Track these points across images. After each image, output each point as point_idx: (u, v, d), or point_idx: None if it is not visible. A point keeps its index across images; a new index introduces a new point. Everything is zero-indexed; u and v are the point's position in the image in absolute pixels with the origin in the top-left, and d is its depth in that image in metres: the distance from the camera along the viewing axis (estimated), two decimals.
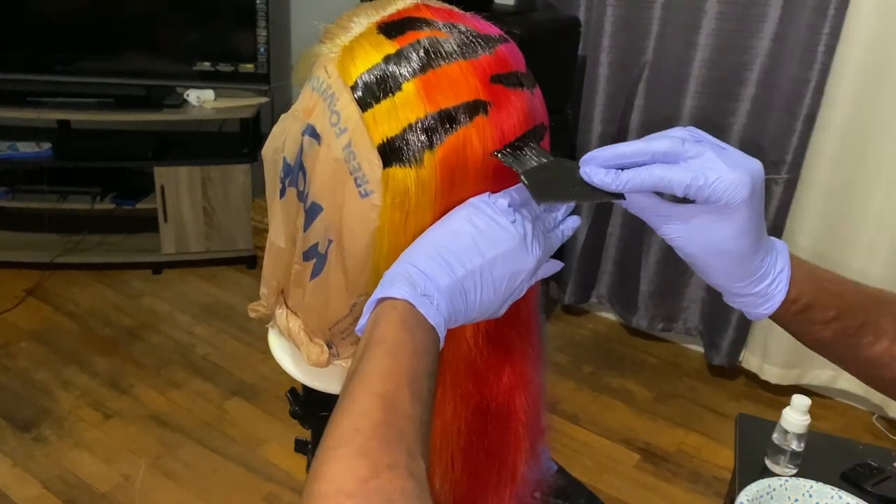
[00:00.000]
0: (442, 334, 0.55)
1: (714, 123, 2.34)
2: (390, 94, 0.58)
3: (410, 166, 0.58)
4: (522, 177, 0.58)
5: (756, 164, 0.59)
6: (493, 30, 0.63)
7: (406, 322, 0.53)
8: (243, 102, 2.89)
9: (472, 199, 0.59)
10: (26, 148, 2.79)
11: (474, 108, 0.58)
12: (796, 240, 2.29)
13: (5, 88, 2.77)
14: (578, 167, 0.59)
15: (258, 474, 2.05)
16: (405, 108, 0.58)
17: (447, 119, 0.58)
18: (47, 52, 2.75)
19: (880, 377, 0.66)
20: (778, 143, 2.24)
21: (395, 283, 0.55)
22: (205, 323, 2.68)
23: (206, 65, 2.78)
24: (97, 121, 2.87)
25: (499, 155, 0.60)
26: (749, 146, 2.33)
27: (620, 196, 0.58)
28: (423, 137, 0.58)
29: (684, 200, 0.58)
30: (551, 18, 2.40)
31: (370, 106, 0.59)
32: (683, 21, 2.28)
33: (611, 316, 2.83)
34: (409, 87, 0.58)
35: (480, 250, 0.56)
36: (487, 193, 0.60)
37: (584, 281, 2.72)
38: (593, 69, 2.45)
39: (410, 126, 0.58)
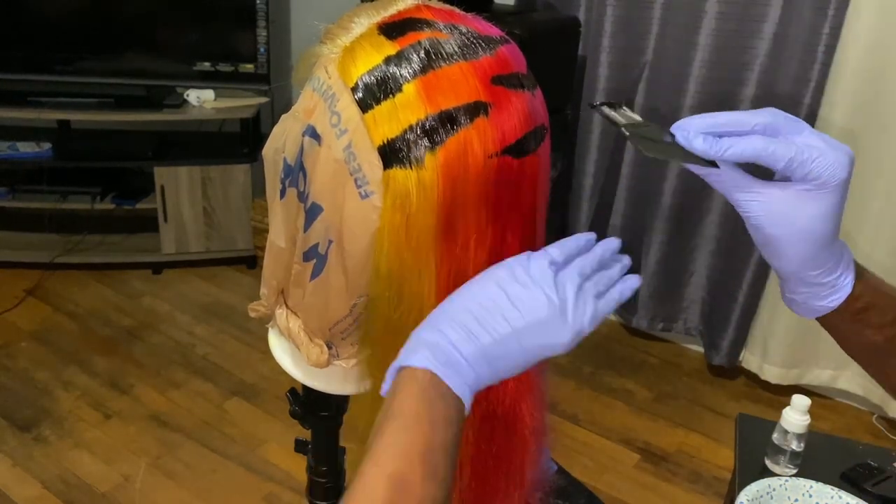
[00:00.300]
0: (467, 402, 0.53)
1: None
2: (391, 96, 0.58)
3: (411, 167, 0.58)
4: (624, 129, 0.56)
5: (850, 149, 0.56)
6: (493, 31, 0.63)
7: (426, 392, 0.52)
8: (243, 102, 2.89)
9: (507, 261, 0.56)
10: (26, 148, 2.78)
11: (475, 110, 0.58)
12: None
13: (5, 88, 2.77)
14: (670, 132, 0.57)
15: (258, 474, 2.05)
16: (406, 110, 0.58)
17: (448, 120, 0.57)
18: (47, 52, 2.75)
19: None
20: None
21: (418, 351, 0.54)
22: (205, 323, 2.68)
23: (206, 65, 2.78)
24: (97, 121, 2.87)
25: (601, 107, 0.58)
26: None
27: (713, 164, 0.56)
28: (423, 139, 0.57)
29: (770, 176, 0.56)
30: (551, 18, 2.39)
31: (371, 107, 0.58)
32: (683, 21, 2.28)
33: (611, 316, 2.83)
34: (409, 89, 0.58)
35: (509, 319, 0.54)
36: (526, 254, 0.57)
37: None
38: (593, 69, 2.45)
39: (411, 127, 0.57)
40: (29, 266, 2.85)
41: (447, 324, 0.55)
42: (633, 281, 0.59)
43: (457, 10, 0.64)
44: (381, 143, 0.58)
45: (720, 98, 2.31)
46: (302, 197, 0.65)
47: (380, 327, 0.65)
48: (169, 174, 2.80)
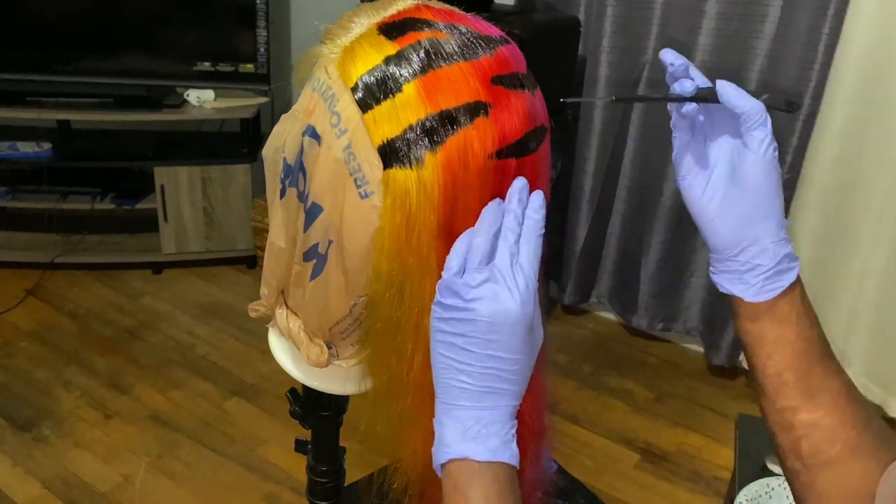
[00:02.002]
0: (507, 458, 0.56)
1: None
2: (391, 96, 0.58)
3: (411, 167, 0.58)
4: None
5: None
6: (494, 31, 0.63)
7: (458, 485, 0.55)
8: (243, 102, 2.89)
9: (432, 317, 0.58)
10: (26, 148, 2.79)
11: (475, 110, 0.58)
12: (796, 240, 2.29)
13: (5, 88, 2.77)
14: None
15: (258, 474, 2.05)
16: (406, 110, 0.58)
17: (448, 120, 0.57)
18: (47, 51, 2.75)
19: (780, 426, 0.64)
20: (778, 143, 2.23)
21: (440, 440, 0.57)
22: (205, 323, 2.68)
23: (206, 65, 2.78)
24: (97, 121, 2.87)
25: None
26: None
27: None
28: (423, 138, 0.57)
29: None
30: (551, 18, 2.39)
31: (371, 107, 0.59)
32: (683, 21, 2.28)
33: (611, 316, 2.83)
34: (409, 89, 0.58)
35: (471, 344, 0.56)
36: (435, 301, 0.58)
37: (584, 281, 2.72)
38: (593, 69, 2.45)
39: (411, 127, 0.57)
40: (29, 266, 2.85)
41: (444, 390, 0.58)
42: (537, 199, 0.60)
43: (457, 10, 0.64)
44: (381, 143, 0.58)
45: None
46: (302, 197, 0.65)
47: (380, 327, 0.65)
48: (169, 174, 2.80)
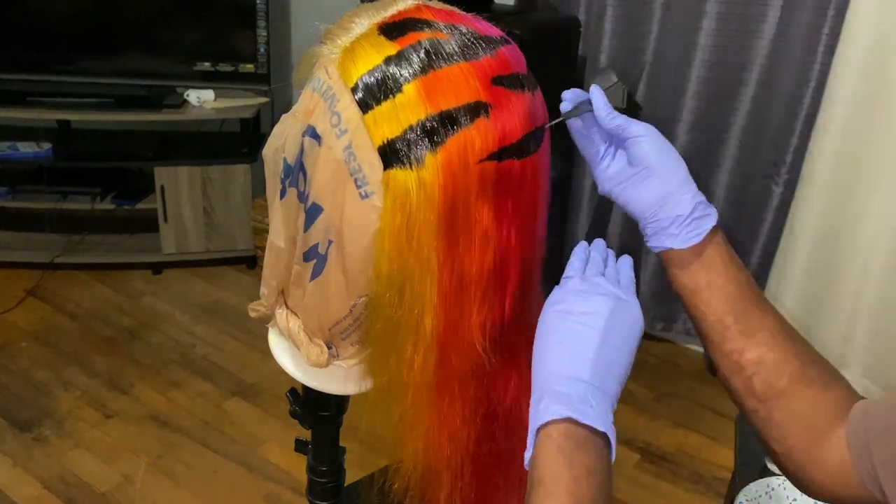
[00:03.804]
0: (609, 429, 0.56)
1: (714, 123, 2.34)
2: (391, 96, 0.58)
3: (411, 168, 0.58)
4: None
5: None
6: (494, 31, 0.63)
7: (562, 449, 0.55)
8: (243, 102, 2.89)
9: (550, 301, 0.63)
10: (26, 148, 2.78)
11: (475, 110, 0.58)
12: (796, 240, 2.29)
13: (5, 88, 2.77)
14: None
15: (258, 474, 2.05)
16: (406, 110, 0.58)
17: (448, 120, 0.57)
18: (47, 51, 2.75)
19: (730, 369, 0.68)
20: (778, 143, 2.24)
21: (545, 401, 0.57)
22: (205, 323, 2.68)
23: (206, 65, 2.78)
24: (97, 121, 2.87)
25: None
26: (749, 146, 2.33)
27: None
28: (424, 139, 0.57)
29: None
30: (551, 18, 2.39)
31: (371, 107, 0.58)
32: (683, 21, 2.27)
33: None
34: (409, 89, 0.58)
35: (590, 333, 0.59)
36: (558, 287, 0.64)
37: None
38: (593, 69, 2.45)
39: (411, 127, 0.57)
40: (29, 266, 2.85)
41: (554, 372, 0.58)
42: (626, 262, 0.71)
43: (457, 10, 0.64)
44: (382, 144, 0.58)
45: (720, 98, 2.31)
46: (302, 197, 0.65)
47: (380, 327, 0.65)
48: (169, 174, 2.80)
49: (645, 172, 0.68)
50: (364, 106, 0.59)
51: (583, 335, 0.59)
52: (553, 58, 2.30)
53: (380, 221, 0.60)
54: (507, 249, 0.63)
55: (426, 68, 0.58)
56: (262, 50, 2.76)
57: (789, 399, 0.65)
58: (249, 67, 2.78)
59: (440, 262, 0.60)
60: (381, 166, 0.59)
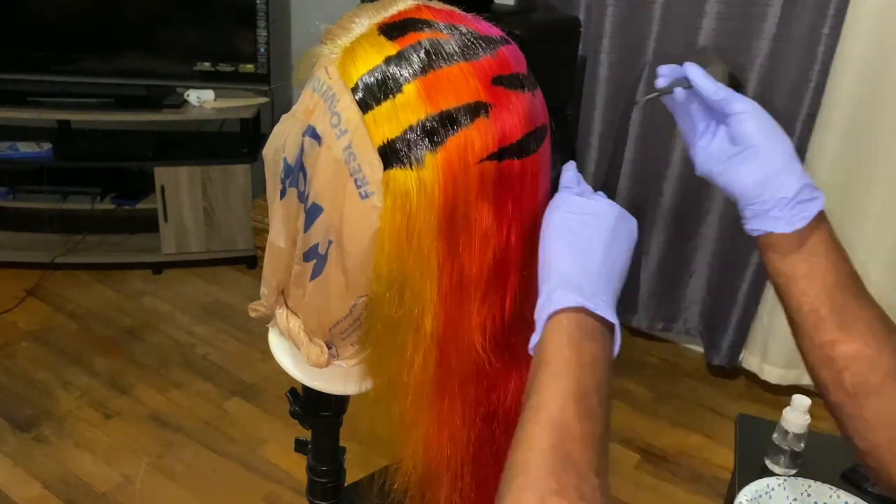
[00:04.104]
0: (615, 320, 0.57)
1: None
2: (391, 96, 0.58)
3: (411, 168, 0.58)
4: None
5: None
6: (494, 31, 0.63)
7: (572, 336, 0.55)
8: (243, 102, 2.89)
9: (554, 205, 0.63)
10: (26, 148, 2.79)
11: (475, 110, 0.58)
12: None
13: (5, 88, 2.77)
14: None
15: (258, 474, 2.05)
16: (406, 110, 0.58)
17: (448, 120, 0.57)
18: (47, 51, 2.75)
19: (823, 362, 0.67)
20: None
21: (558, 292, 0.57)
22: (205, 323, 2.68)
23: (206, 65, 2.78)
24: (97, 121, 2.87)
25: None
26: None
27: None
28: (424, 139, 0.57)
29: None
30: (551, 18, 2.39)
31: (371, 107, 0.58)
32: (683, 21, 2.28)
33: None
34: (409, 89, 0.58)
35: (597, 236, 0.61)
36: (559, 194, 0.64)
37: None
38: (593, 69, 2.45)
39: (411, 127, 0.57)
40: (29, 266, 2.85)
41: (568, 266, 0.59)
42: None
43: (457, 10, 0.64)
44: (382, 144, 0.58)
45: None
46: (302, 197, 0.65)
47: (380, 327, 0.65)
48: (169, 174, 2.80)
49: (748, 152, 0.67)
50: (364, 106, 0.59)
51: (593, 235, 0.60)
52: (553, 58, 2.30)
53: (380, 221, 0.60)
54: (507, 249, 0.62)
55: (426, 68, 0.58)
56: (262, 50, 2.76)
57: (881, 396, 0.63)
58: (249, 67, 2.78)
59: (440, 262, 0.60)
60: (381, 166, 0.59)
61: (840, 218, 2.48)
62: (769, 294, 2.39)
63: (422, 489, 0.68)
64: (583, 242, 0.60)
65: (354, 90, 0.59)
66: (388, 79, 0.58)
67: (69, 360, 2.45)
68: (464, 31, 0.60)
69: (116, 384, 2.36)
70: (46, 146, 2.79)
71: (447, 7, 0.63)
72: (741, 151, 0.68)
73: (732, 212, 2.42)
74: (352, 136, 0.59)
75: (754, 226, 0.68)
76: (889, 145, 2.11)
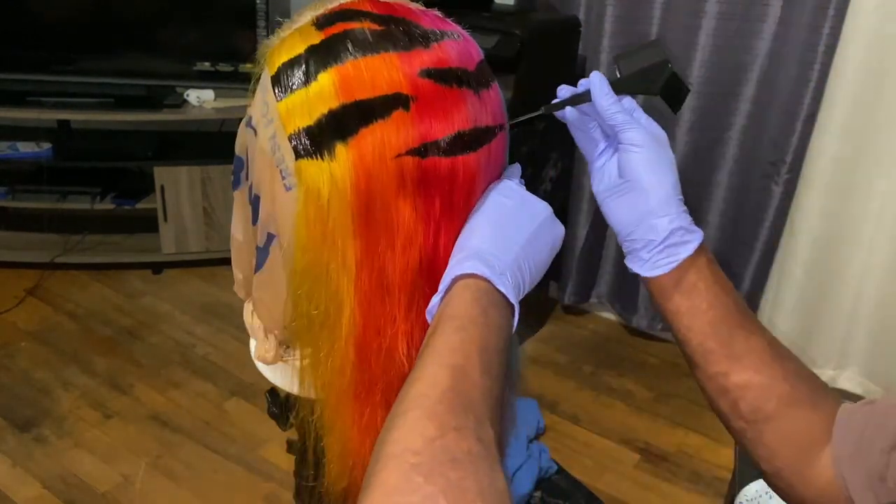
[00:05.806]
0: (517, 308, 0.56)
1: (714, 123, 2.34)
2: (305, 85, 0.57)
3: (322, 159, 0.56)
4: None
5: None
6: (446, 26, 0.61)
7: (479, 300, 0.54)
8: (243, 102, 2.88)
9: (495, 187, 0.62)
10: (26, 148, 2.78)
11: (393, 102, 0.56)
12: (796, 239, 2.29)
13: (5, 88, 2.77)
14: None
15: (258, 474, 2.05)
16: (318, 100, 0.56)
17: (362, 111, 0.55)
18: (47, 51, 2.75)
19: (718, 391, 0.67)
20: (778, 143, 2.23)
21: (468, 260, 0.56)
22: (205, 323, 2.68)
23: (206, 65, 2.78)
24: (97, 121, 2.87)
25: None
26: (749, 146, 2.33)
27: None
28: (335, 130, 0.56)
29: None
30: (551, 18, 2.39)
31: (285, 96, 0.58)
32: (683, 21, 2.27)
33: (611, 316, 2.83)
34: (325, 78, 0.56)
35: (522, 227, 0.59)
36: (502, 181, 0.63)
37: (584, 281, 2.72)
38: (593, 69, 2.45)
39: (323, 117, 0.56)
40: (29, 266, 2.85)
41: (483, 240, 0.58)
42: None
43: (411, 5, 0.61)
44: (293, 133, 0.57)
45: (720, 98, 2.31)
46: (249, 189, 0.65)
47: (304, 325, 0.62)
48: (169, 174, 2.80)
49: (627, 185, 0.65)
50: (279, 95, 0.58)
51: (522, 223, 0.60)
52: (553, 58, 2.31)
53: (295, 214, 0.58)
54: (435, 252, 0.59)
55: (345, 57, 0.56)
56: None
57: (778, 422, 0.63)
58: (249, 67, 2.77)
59: (358, 259, 0.58)
60: (294, 157, 0.57)
61: (840, 218, 2.48)
62: (769, 294, 2.39)
63: (345, 496, 0.67)
64: (509, 226, 0.59)
65: (274, 79, 0.58)
66: (305, 68, 0.57)
67: (69, 360, 2.45)
68: (400, 22, 0.58)
69: (116, 384, 2.36)
70: (46, 146, 2.79)
71: (401, 2, 0.61)
72: (622, 184, 0.66)
73: (731, 214, 2.41)
74: (276, 126, 0.58)
75: (628, 263, 0.67)
76: (889, 145, 2.11)
